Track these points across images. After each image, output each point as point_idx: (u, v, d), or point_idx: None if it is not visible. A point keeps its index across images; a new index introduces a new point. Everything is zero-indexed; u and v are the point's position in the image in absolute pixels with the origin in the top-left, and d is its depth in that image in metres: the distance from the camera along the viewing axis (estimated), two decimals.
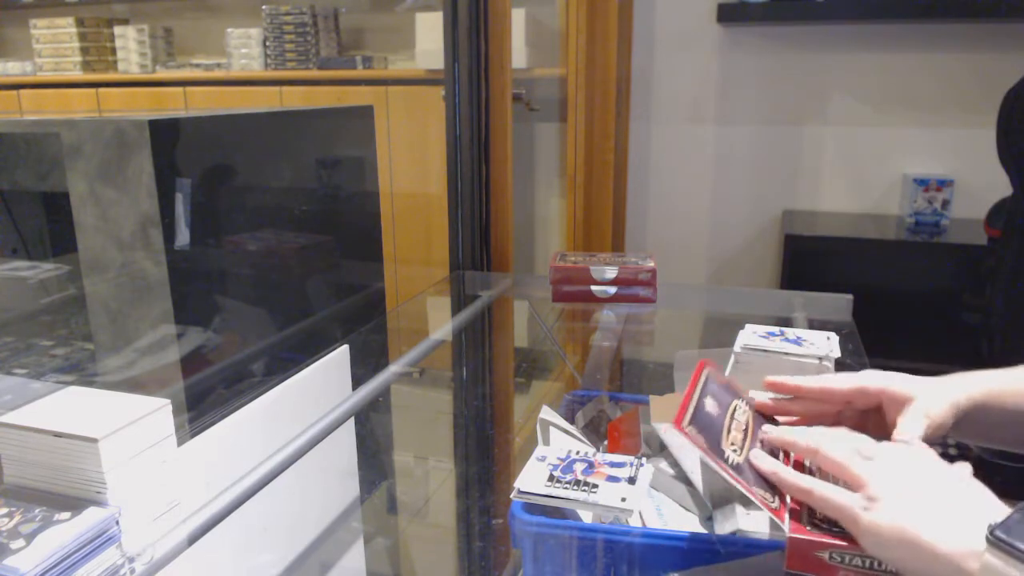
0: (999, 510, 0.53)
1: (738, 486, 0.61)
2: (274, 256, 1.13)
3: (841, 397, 0.71)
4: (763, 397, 0.83)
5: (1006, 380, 0.69)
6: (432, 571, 1.01)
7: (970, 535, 0.51)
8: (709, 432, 0.64)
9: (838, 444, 0.63)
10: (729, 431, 0.66)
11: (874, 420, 0.71)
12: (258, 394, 0.91)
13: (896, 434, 0.64)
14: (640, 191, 2.65)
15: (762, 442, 0.68)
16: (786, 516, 0.60)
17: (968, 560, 0.50)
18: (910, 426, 0.64)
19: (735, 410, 0.70)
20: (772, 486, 0.63)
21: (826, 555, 0.56)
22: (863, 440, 0.63)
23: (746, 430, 0.68)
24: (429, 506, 1.14)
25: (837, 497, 0.58)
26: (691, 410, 0.65)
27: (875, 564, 0.55)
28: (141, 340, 0.95)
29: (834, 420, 0.72)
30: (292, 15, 2.92)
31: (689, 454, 0.76)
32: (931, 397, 0.66)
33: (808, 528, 0.58)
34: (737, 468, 0.62)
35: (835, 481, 0.63)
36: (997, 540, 0.48)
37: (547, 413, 0.84)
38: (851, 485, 0.59)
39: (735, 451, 0.64)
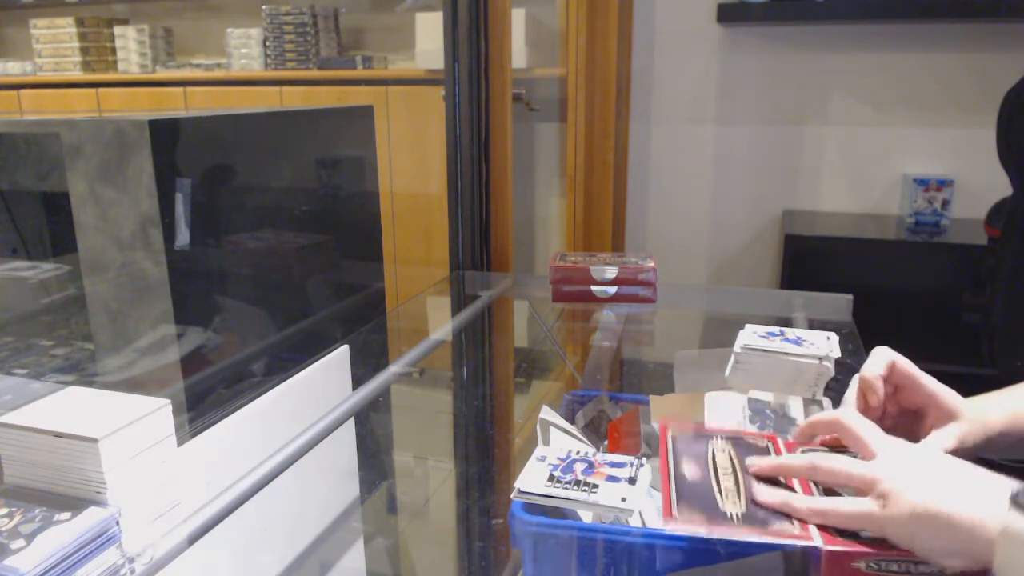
0: (1009, 481, 0.54)
1: (755, 538, 0.59)
2: (274, 256, 1.13)
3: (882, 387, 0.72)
4: (766, 396, 0.83)
5: None
6: (432, 571, 1.01)
7: (986, 503, 0.52)
8: (701, 502, 0.62)
9: (831, 456, 0.64)
10: (719, 483, 0.65)
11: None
12: (258, 394, 0.91)
13: (927, 440, 0.68)
14: (640, 191, 2.65)
15: (755, 477, 0.67)
16: (813, 532, 0.59)
17: (987, 525, 0.51)
18: (942, 440, 0.67)
19: (713, 456, 0.69)
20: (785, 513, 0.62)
21: (863, 565, 0.56)
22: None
23: (734, 470, 0.67)
24: (429, 506, 1.14)
25: (853, 507, 0.58)
26: (673, 491, 0.63)
27: (911, 568, 0.55)
28: (141, 340, 0.95)
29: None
30: (292, 15, 2.92)
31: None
32: (972, 426, 0.69)
33: (840, 539, 0.58)
34: (744, 517, 0.61)
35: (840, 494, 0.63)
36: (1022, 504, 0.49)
37: (547, 413, 0.84)
38: (860, 489, 0.59)
39: (733, 502, 0.62)
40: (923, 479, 0.56)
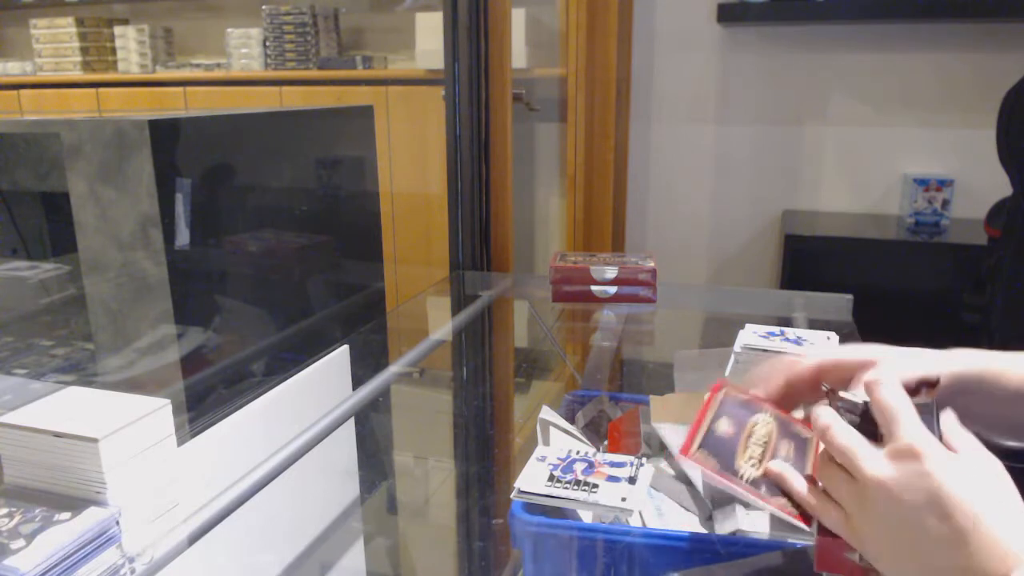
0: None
1: (751, 497, 0.59)
2: (274, 256, 1.13)
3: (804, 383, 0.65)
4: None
5: (1007, 360, 0.64)
6: (432, 571, 1.01)
7: None
8: (721, 453, 0.62)
9: (849, 430, 0.55)
10: (746, 448, 0.65)
11: None
12: (258, 394, 0.91)
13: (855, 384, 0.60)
14: (640, 191, 2.65)
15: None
16: (814, 521, 0.59)
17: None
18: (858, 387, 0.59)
19: (755, 425, 0.68)
20: None
21: (856, 556, 0.56)
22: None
23: (767, 443, 0.66)
24: (429, 506, 1.14)
25: (829, 514, 0.55)
26: (700, 436, 0.63)
27: None
28: (141, 340, 0.95)
29: None
30: (292, 15, 2.92)
31: None
32: (903, 362, 0.61)
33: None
34: (755, 483, 0.61)
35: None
36: None
37: (547, 413, 0.84)
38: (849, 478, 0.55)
39: (753, 465, 0.62)
40: (900, 527, 0.50)
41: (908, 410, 0.53)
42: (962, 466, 0.50)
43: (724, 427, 0.66)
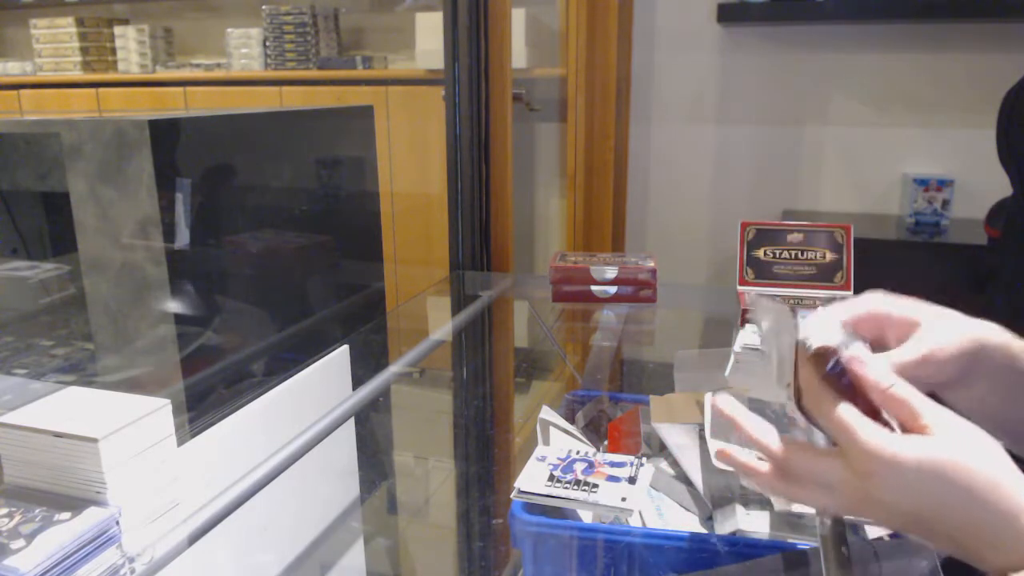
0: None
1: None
2: (274, 256, 1.13)
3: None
4: (766, 396, 0.83)
5: None
6: (432, 571, 1.01)
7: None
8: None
9: (809, 450, 0.53)
10: None
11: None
12: (258, 394, 0.91)
13: (892, 356, 0.57)
14: (640, 191, 2.65)
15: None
16: None
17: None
18: (906, 354, 0.57)
19: None
20: None
21: None
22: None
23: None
24: (429, 506, 1.14)
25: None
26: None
27: None
28: (141, 340, 0.95)
29: None
30: (292, 15, 2.92)
31: (689, 454, 0.76)
32: (940, 329, 0.59)
33: None
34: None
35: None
36: None
37: (547, 413, 0.84)
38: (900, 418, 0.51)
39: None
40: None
41: (918, 393, 0.52)
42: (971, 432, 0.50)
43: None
